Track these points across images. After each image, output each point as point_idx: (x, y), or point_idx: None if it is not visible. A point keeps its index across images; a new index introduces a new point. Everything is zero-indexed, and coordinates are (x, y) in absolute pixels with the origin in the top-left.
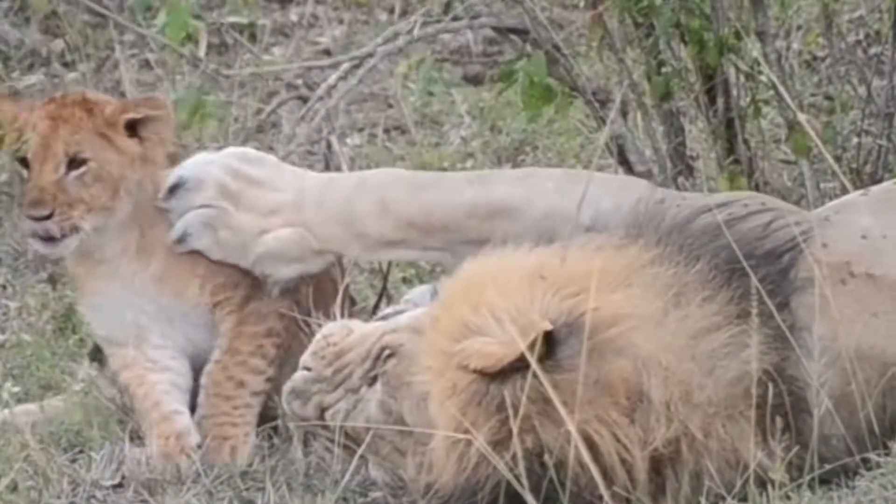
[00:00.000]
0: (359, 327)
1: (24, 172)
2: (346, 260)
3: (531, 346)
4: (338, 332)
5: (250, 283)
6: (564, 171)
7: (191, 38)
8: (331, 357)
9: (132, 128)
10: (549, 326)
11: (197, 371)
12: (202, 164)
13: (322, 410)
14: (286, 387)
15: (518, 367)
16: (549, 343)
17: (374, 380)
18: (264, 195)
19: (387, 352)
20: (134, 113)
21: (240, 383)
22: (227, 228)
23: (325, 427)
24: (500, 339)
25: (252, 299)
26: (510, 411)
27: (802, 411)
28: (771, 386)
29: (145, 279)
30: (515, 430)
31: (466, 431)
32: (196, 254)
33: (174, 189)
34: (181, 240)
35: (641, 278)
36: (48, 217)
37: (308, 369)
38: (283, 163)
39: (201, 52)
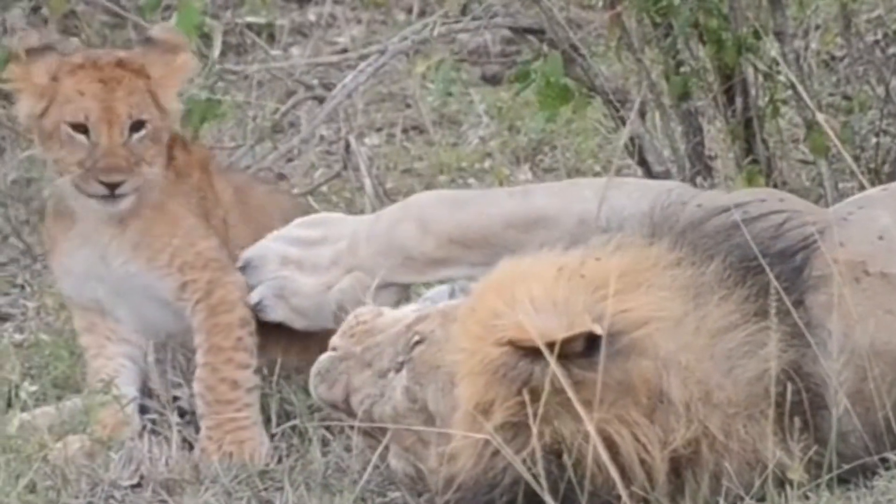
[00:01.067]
0: (390, 311)
1: (81, 138)
2: None
3: (570, 340)
4: (368, 313)
5: (216, 266)
6: (604, 178)
7: (207, 37)
8: (360, 335)
9: None
10: (598, 330)
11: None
12: (265, 242)
13: (348, 394)
14: (313, 370)
15: (550, 352)
16: (590, 345)
17: (401, 366)
18: (323, 251)
19: (416, 338)
20: (182, 75)
21: (233, 383)
22: (296, 295)
23: (350, 414)
24: (542, 322)
25: (217, 286)
26: (531, 393)
27: (820, 408)
28: (789, 384)
29: (122, 243)
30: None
31: (488, 406)
32: (173, 223)
33: (243, 270)
34: (260, 311)
35: (663, 279)
36: (124, 181)
37: (335, 349)
38: (347, 215)
39: (216, 52)
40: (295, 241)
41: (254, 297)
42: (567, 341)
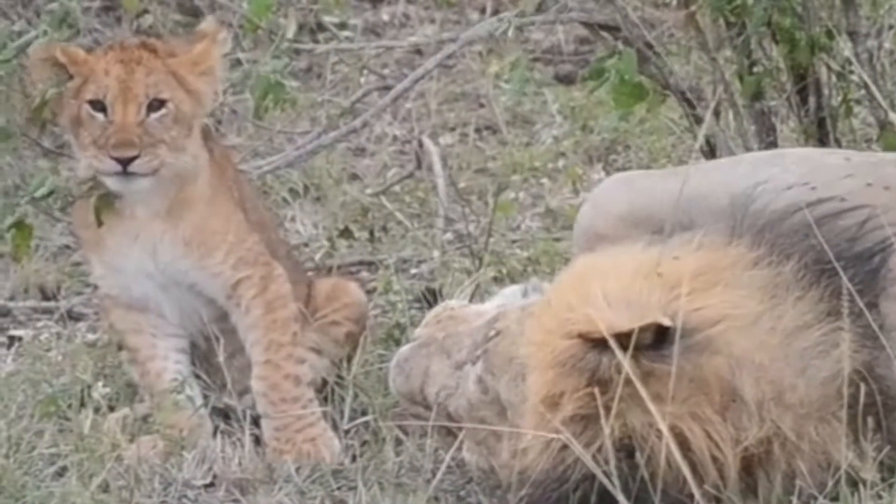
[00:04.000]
0: (475, 305)
1: (100, 116)
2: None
3: (641, 331)
4: (457, 304)
5: (265, 260)
6: (767, 153)
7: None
8: (446, 321)
9: None
10: (667, 322)
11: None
12: None
13: (424, 383)
14: (392, 361)
15: (620, 345)
16: (660, 338)
17: (478, 358)
18: None
19: (493, 332)
20: (211, 62)
21: (296, 379)
22: None
23: (426, 407)
24: (613, 315)
25: (269, 281)
26: (602, 384)
27: (893, 411)
28: (862, 385)
29: (174, 240)
30: (611, 406)
31: (557, 398)
32: (226, 218)
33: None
34: None
35: (740, 278)
36: (135, 157)
37: (417, 339)
38: None
39: (290, 32)
40: None
41: None
42: (641, 331)
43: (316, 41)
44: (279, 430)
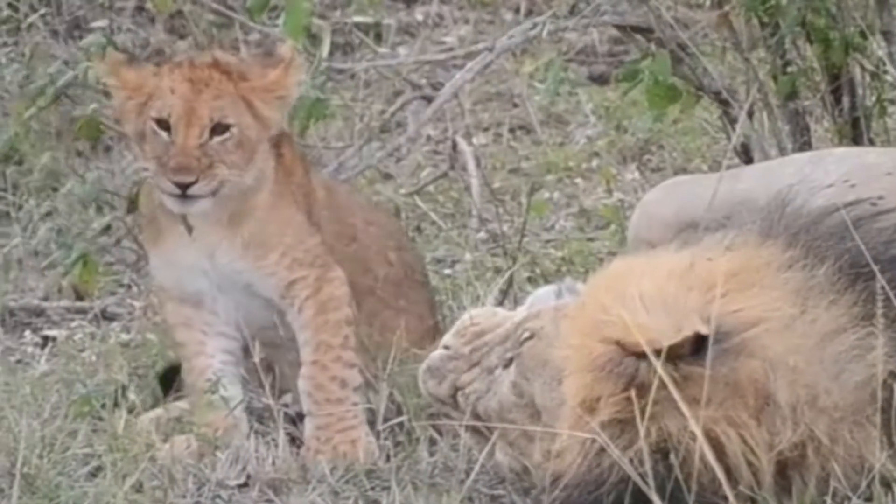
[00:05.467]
0: (503, 313)
1: (164, 134)
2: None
3: (680, 345)
4: (483, 314)
5: (322, 262)
6: (808, 154)
7: (315, 37)
8: (471, 336)
9: None
10: (705, 330)
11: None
12: None
13: (456, 390)
14: (423, 365)
15: (658, 353)
16: (697, 345)
17: (510, 361)
18: None
19: (526, 334)
20: (284, 91)
21: (342, 382)
22: None
23: (457, 410)
24: (650, 322)
25: (324, 283)
26: (639, 389)
27: None
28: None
29: (233, 243)
30: (648, 411)
31: (594, 402)
32: (284, 222)
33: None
34: None
35: (774, 280)
36: (194, 183)
37: (447, 348)
38: None
39: (325, 51)
40: None
41: None
42: (674, 346)
43: (348, 45)
44: (320, 428)
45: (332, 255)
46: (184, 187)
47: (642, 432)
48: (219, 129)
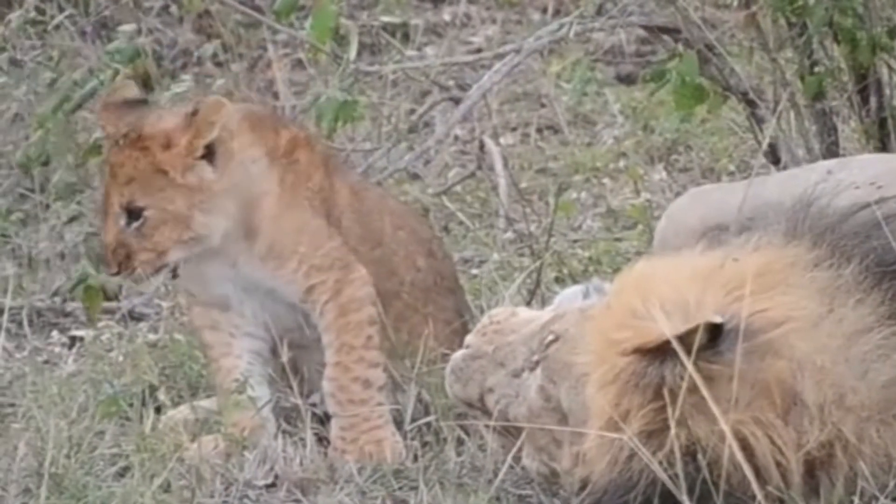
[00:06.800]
0: (524, 311)
1: None
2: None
3: (691, 332)
4: (502, 313)
5: (342, 265)
6: (832, 161)
7: (343, 38)
8: (492, 335)
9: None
10: (718, 319)
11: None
12: None
13: (483, 393)
14: (447, 368)
15: (674, 350)
16: (714, 336)
17: (536, 364)
18: None
19: (551, 337)
20: (204, 139)
21: (366, 382)
22: None
23: (486, 413)
24: (664, 321)
25: (344, 285)
26: (667, 397)
27: None
28: None
29: (250, 257)
30: (674, 418)
31: (624, 417)
32: (298, 230)
33: None
34: None
35: (800, 280)
36: (117, 274)
37: (468, 347)
38: None
39: (352, 53)
40: None
41: None
42: (687, 335)
43: (376, 45)
44: (345, 429)
45: (354, 256)
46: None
47: (673, 433)
48: (133, 214)
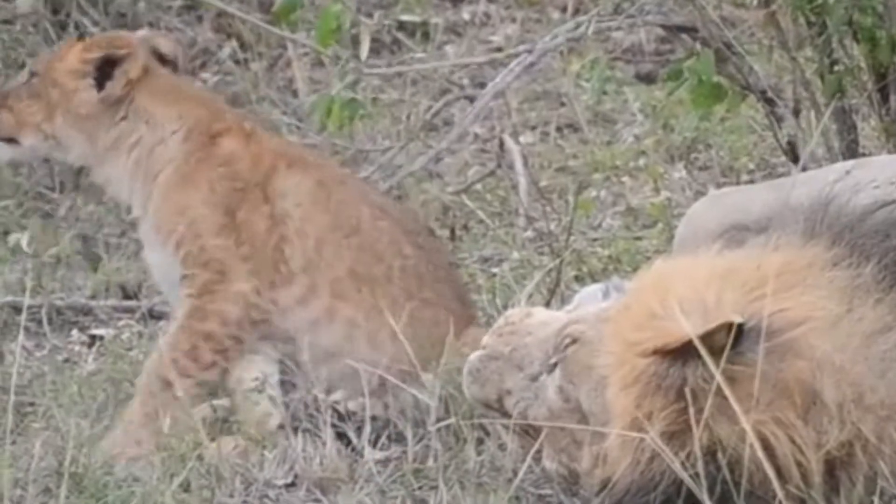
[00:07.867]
0: (540, 312)
1: None
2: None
3: (712, 333)
4: (517, 314)
5: (219, 268)
6: (850, 162)
7: (355, 38)
8: (507, 336)
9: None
10: (738, 319)
11: None
12: None
13: (501, 395)
14: (464, 369)
15: (697, 351)
16: (735, 336)
17: (554, 367)
18: None
19: (568, 339)
20: (91, 54)
21: (165, 383)
22: None
23: (504, 414)
24: (684, 321)
25: (211, 291)
26: (689, 398)
27: None
28: None
29: (148, 228)
30: (700, 418)
31: (647, 418)
32: (183, 208)
33: None
34: None
35: (819, 279)
36: None
37: (485, 348)
38: None
39: (364, 53)
40: None
41: None
42: (709, 336)
43: (395, 43)
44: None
45: (277, 270)
46: None
47: (696, 434)
48: (31, 76)
